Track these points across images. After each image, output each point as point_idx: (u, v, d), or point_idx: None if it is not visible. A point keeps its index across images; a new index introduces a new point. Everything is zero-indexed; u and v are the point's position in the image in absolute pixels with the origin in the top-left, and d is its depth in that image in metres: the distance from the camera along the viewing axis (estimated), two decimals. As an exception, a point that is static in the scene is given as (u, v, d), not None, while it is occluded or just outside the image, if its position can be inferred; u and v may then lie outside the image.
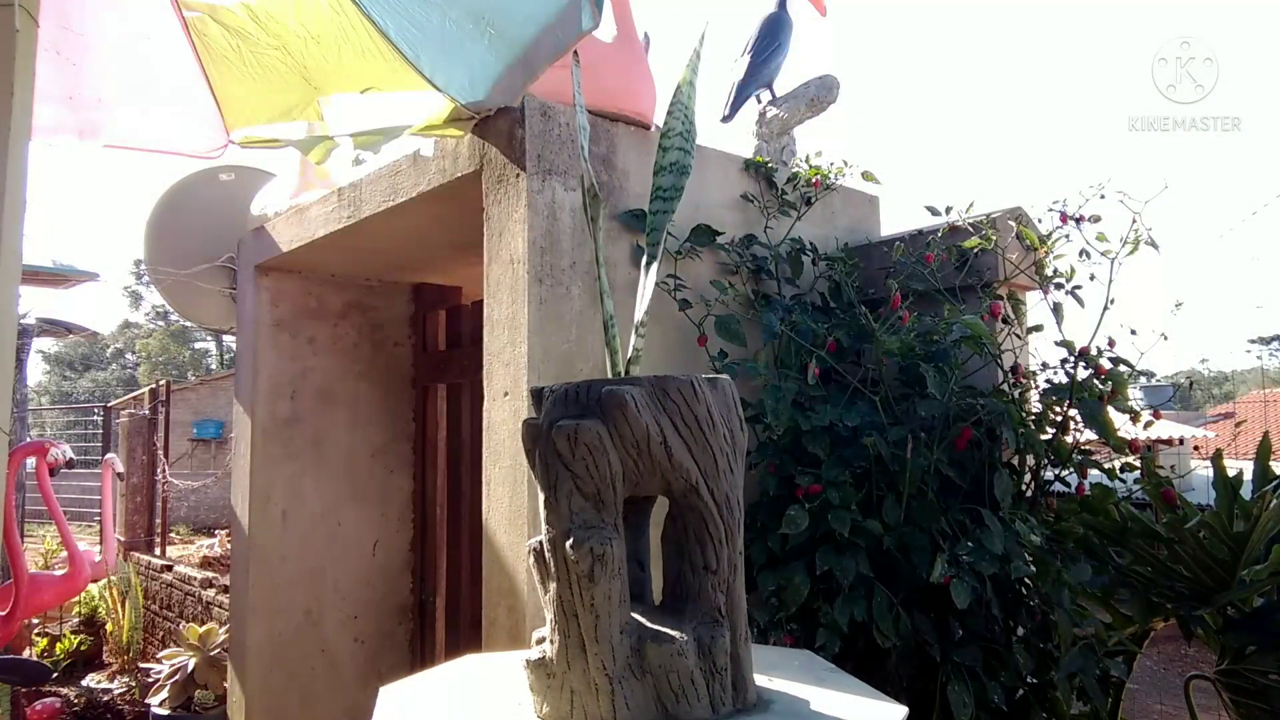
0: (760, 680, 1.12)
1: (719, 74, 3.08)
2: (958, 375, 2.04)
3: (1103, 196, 2.15)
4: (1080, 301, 2.21)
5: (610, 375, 1.19)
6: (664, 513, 1.11)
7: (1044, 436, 2.13)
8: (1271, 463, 1.96)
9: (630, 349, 1.20)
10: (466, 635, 3.16)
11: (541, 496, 1.04)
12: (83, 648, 5.45)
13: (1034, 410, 2.19)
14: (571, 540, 0.98)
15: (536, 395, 1.10)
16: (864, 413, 2.08)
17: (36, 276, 5.40)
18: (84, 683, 5.06)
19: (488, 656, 1.35)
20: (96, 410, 11.40)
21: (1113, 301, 2.12)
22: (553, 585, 1.02)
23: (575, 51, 1.33)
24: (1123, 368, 2.11)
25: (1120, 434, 2.07)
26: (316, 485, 3.36)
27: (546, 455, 1.02)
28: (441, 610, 3.34)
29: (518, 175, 1.99)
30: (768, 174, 2.52)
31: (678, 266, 2.21)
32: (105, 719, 4.65)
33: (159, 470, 6.68)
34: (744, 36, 2.99)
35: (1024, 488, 2.15)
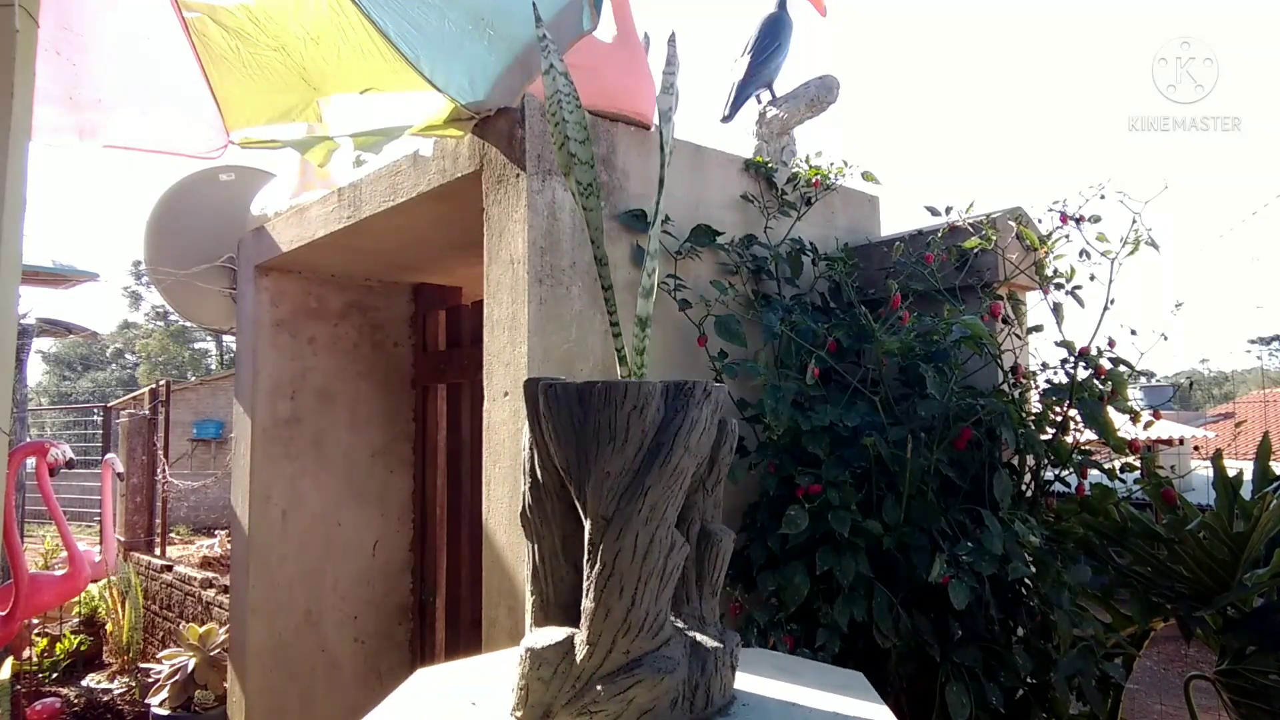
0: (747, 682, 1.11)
1: (719, 74, 3.08)
2: (958, 375, 2.04)
3: (1103, 196, 2.15)
4: (1080, 301, 2.21)
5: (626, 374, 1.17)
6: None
7: (1044, 437, 2.13)
8: (1271, 463, 1.96)
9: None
10: (466, 635, 3.16)
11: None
12: (83, 648, 5.44)
13: (1034, 410, 2.19)
14: None
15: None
16: (864, 413, 2.07)
17: (36, 276, 5.40)
18: (84, 683, 5.07)
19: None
20: (96, 410, 11.40)
21: (1113, 301, 2.12)
22: None
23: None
24: (1123, 368, 2.11)
25: (1120, 434, 2.07)
26: (316, 485, 3.36)
27: None
28: (441, 610, 3.34)
29: (518, 175, 1.99)
30: (768, 174, 2.52)
31: (678, 266, 2.21)
32: (105, 719, 4.65)
33: (159, 470, 6.68)
34: (744, 36, 2.99)
35: (1024, 488, 2.14)
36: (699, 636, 1.02)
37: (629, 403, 0.95)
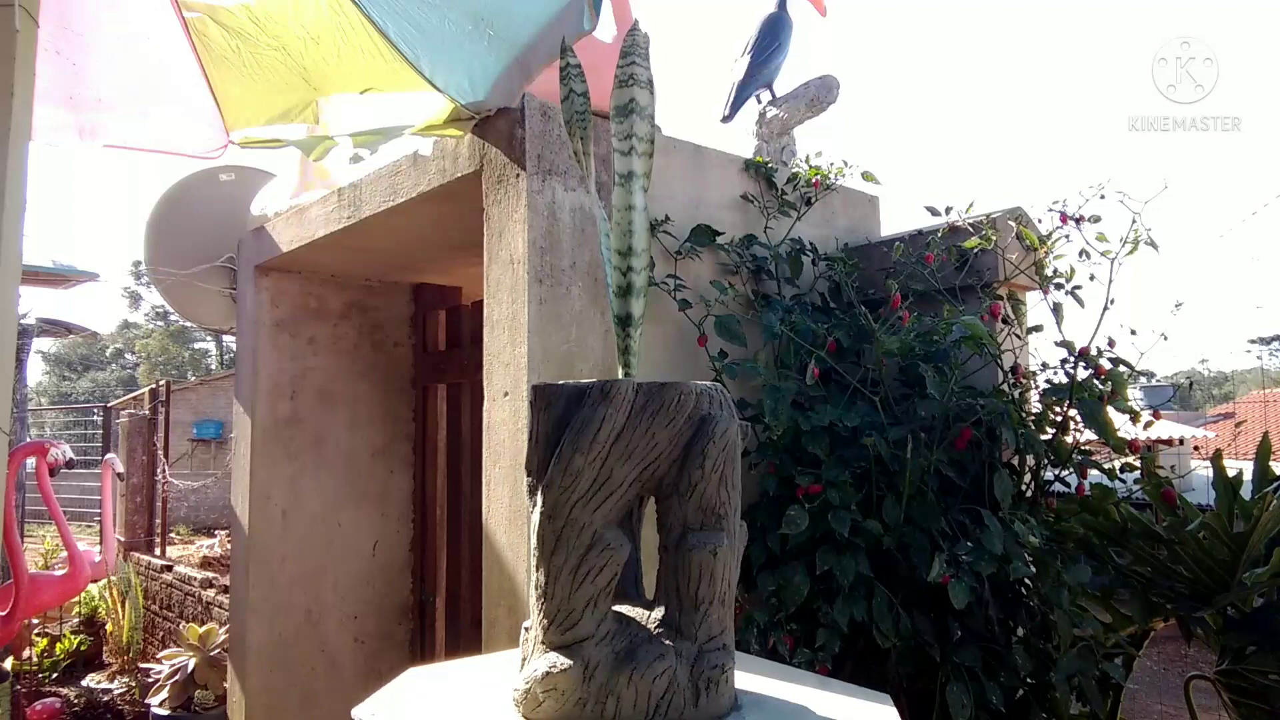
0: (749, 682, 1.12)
1: (719, 74, 3.08)
2: (957, 375, 2.04)
3: (1103, 196, 2.15)
4: (1080, 301, 2.21)
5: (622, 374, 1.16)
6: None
7: (1044, 437, 2.13)
8: (1271, 463, 1.96)
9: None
10: (466, 635, 3.16)
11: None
12: (83, 648, 5.44)
13: (1034, 410, 2.19)
14: None
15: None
16: (864, 413, 2.08)
17: (36, 276, 5.40)
18: (84, 683, 5.06)
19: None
20: (96, 410, 11.40)
21: (1113, 301, 2.12)
22: None
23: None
24: (1122, 368, 2.11)
25: (1120, 434, 2.07)
26: (316, 485, 3.36)
27: None
28: (441, 610, 3.34)
29: (518, 175, 1.99)
30: (768, 174, 2.52)
31: (678, 266, 2.21)
32: (105, 719, 4.65)
33: (159, 470, 6.68)
34: (744, 36, 2.99)
35: (1024, 488, 2.14)
36: (642, 648, 0.97)
37: (540, 403, 1.00)
